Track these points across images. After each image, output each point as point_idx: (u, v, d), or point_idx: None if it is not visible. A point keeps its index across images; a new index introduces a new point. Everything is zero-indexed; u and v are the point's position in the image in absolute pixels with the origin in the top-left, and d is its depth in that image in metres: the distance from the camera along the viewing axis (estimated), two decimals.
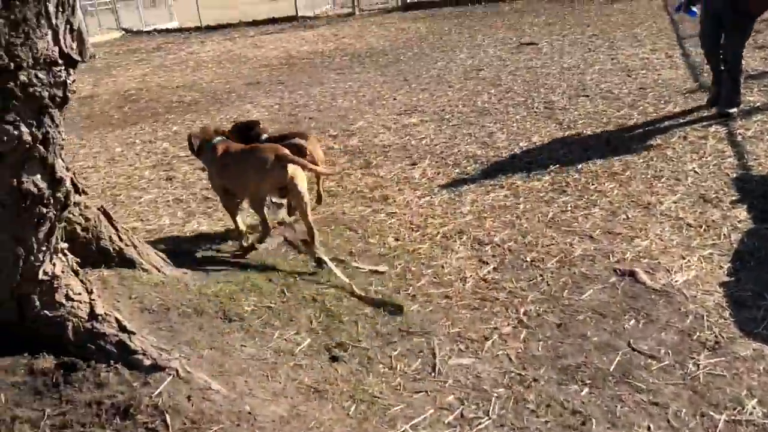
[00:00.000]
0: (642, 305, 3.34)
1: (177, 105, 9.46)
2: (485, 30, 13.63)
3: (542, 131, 6.43)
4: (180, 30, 21.12)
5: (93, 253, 3.39)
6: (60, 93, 2.77)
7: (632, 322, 3.22)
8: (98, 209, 3.46)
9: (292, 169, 3.89)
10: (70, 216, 3.32)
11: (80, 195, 3.38)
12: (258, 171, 3.91)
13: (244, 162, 4.04)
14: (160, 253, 3.73)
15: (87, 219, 3.36)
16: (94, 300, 3.07)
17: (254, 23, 20.25)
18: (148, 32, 21.24)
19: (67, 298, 3.03)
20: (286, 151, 3.94)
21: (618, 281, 3.60)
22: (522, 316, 3.36)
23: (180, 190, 5.85)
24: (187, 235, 4.76)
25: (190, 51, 15.95)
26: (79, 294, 3.07)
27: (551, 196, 4.88)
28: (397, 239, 4.36)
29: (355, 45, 13.76)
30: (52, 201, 2.88)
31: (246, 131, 4.76)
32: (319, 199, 5.05)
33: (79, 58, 2.81)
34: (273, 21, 20.15)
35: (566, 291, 3.55)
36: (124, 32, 21.45)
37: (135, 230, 4.97)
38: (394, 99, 8.41)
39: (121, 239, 3.47)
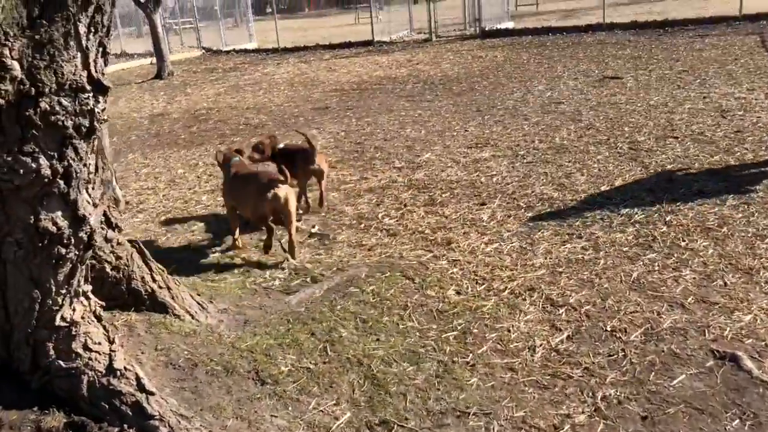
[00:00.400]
0: (748, 401, 2.78)
1: (244, 127, 9.30)
2: (566, 61, 13.07)
3: (626, 174, 5.87)
4: (257, 51, 21.33)
5: (122, 295, 3.09)
6: (86, 122, 2.47)
7: (736, 422, 2.67)
8: (132, 245, 3.16)
9: (283, 193, 4.41)
10: (100, 254, 3.03)
11: (114, 231, 3.09)
12: (257, 196, 4.45)
13: (247, 187, 4.61)
14: (198, 297, 3.40)
15: (118, 257, 3.06)
16: (114, 351, 2.75)
17: (330, 46, 20.24)
18: (227, 52, 21.55)
19: (85, 347, 2.71)
20: (278, 176, 4.47)
21: (716, 366, 3.04)
22: (600, 402, 2.85)
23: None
24: (234, 271, 4.43)
25: (265, 72, 15.98)
26: (99, 344, 2.75)
27: (636, 252, 4.33)
28: (458, 293, 3.91)
29: (428, 71, 13.42)
30: (73, 241, 2.58)
31: (262, 148, 5.52)
32: (320, 203, 5.63)
33: (110, 84, 2.52)
34: (349, 45, 20.09)
35: (653, 374, 3.02)
36: (204, 51, 21.84)
37: (185, 260, 4.70)
38: (466, 131, 7.98)
39: (154, 280, 3.16)
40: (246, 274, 4.36)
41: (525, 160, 6.59)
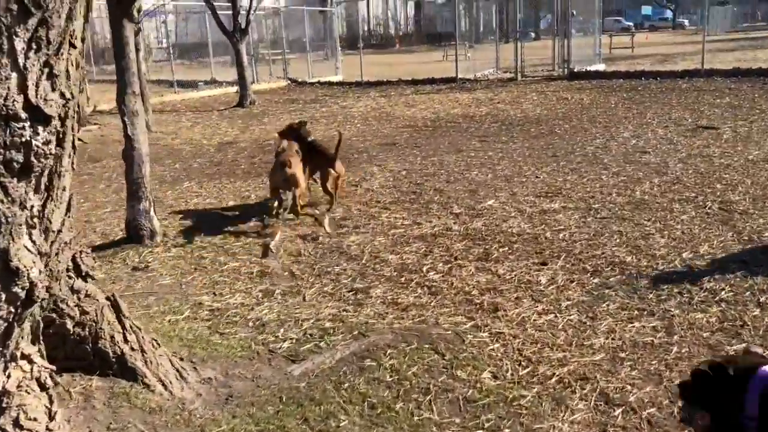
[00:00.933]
0: None
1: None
2: (656, 107, 12.12)
3: (714, 240, 5.04)
4: (341, 83, 21.26)
5: (87, 355, 2.63)
6: (20, 157, 2.02)
7: None
8: (106, 299, 2.71)
9: (290, 172, 5.88)
10: (62, 307, 2.58)
11: (84, 281, 2.64)
12: (273, 171, 6.09)
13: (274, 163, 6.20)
14: (179, 362, 2.90)
15: (84, 312, 2.61)
16: (51, 430, 2.26)
17: (413, 82, 19.91)
18: (312, 83, 21.59)
19: (16, 424, 2.23)
20: (290, 160, 5.93)
21: None
22: None
23: (269, 261, 5.11)
24: (249, 324, 3.93)
25: (344, 105, 15.74)
26: (35, 419, 2.27)
27: (718, 339, 3.55)
28: (495, 376, 3.24)
29: (508, 111, 12.77)
30: (3, 297, 2.12)
31: (295, 131, 6.64)
32: (330, 202, 6.37)
33: (54, 113, 2.06)
34: (431, 81, 19.70)
35: None
36: (290, 81, 21.98)
37: (201, 305, 4.25)
38: (537, 177, 7.29)
39: (126, 340, 2.69)
40: (260, 329, 3.84)
41: (598, 215, 5.84)
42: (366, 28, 50.95)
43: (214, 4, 16.80)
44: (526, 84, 17.97)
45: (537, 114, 12.28)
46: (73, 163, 2.63)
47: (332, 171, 6.30)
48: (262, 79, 22.75)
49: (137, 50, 11.19)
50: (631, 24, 56.24)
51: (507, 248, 5.16)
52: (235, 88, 20.07)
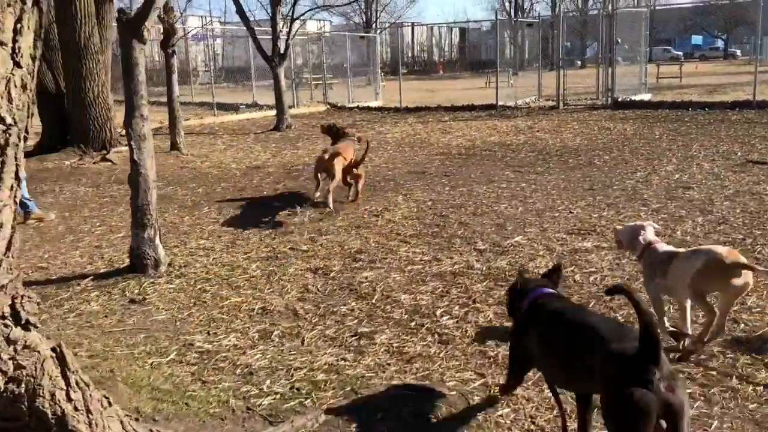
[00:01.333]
0: None
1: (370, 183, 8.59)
2: (703, 139, 11.49)
3: (764, 291, 4.49)
4: (380, 109, 21.03)
5: (22, 414, 2.29)
6: None
7: None
8: (52, 350, 2.37)
9: (331, 162, 7.29)
10: None
11: (24, 329, 2.31)
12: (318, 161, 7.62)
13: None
14: (132, 423, 2.53)
15: (19, 366, 2.27)
16: None
17: (452, 108, 19.57)
18: (351, 108, 21.42)
19: None
20: (333, 152, 7.48)
21: None
22: None
23: (273, 297, 4.75)
24: (236, 372, 3.56)
25: (380, 130, 15.46)
26: None
27: (766, 414, 3.03)
28: None
29: (547, 140, 12.28)
30: None
31: (333, 129, 8.74)
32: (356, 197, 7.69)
33: None
34: (471, 108, 19.31)
35: None
36: (329, 106, 21.86)
37: (191, 346, 3.91)
38: (570, 212, 6.80)
39: (69, 399, 2.34)
40: (246, 378, 3.47)
41: (634, 256, 5.33)
42: (410, 54, 51.04)
43: (257, 29, 16.81)
44: (567, 112, 17.44)
45: (576, 144, 11.76)
46: (15, 196, 2.32)
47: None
48: (302, 103, 22.70)
49: (170, 72, 11.15)
50: (680, 53, 55.06)
51: None
52: (275, 112, 20.07)
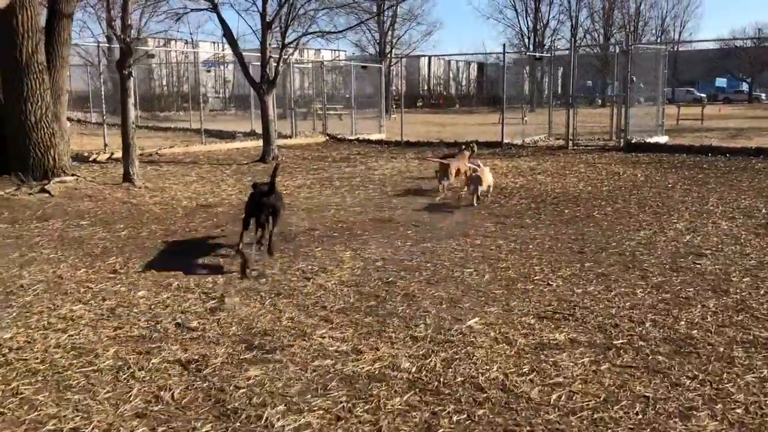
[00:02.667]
0: None
1: (279, 233, 7.25)
2: (723, 190, 10.00)
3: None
4: (381, 142, 19.76)
5: None
6: None
7: None
8: None
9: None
10: None
11: None
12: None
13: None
14: None
15: None
16: None
17: (454, 144, 18.19)
18: (351, 140, 20.19)
19: None
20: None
21: None
22: None
23: (101, 410, 3.38)
24: None
25: (371, 165, 14.15)
26: None
27: None
28: None
29: (546, 185, 10.86)
30: None
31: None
32: None
33: None
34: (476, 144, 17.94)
35: None
36: (328, 138, 20.66)
37: None
38: (548, 284, 5.36)
39: None
40: None
41: (618, 361, 3.89)
42: (426, 87, 49.93)
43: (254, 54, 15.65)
44: (576, 153, 16.01)
45: (578, 190, 10.33)
46: None
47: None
48: (302, 133, 21.55)
49: (125, 96, 9.94)
50: (703, 95, 53.49)
51: (465, 416, 3.28)
52: (282, 141, 18.93)
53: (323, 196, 9.90)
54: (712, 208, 8.63)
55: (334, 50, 37.31)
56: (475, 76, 55.42)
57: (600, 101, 40.89)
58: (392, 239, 6.91)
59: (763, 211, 8.36)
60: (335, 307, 4.83)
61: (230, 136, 20.60)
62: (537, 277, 5.54)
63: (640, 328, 4.38)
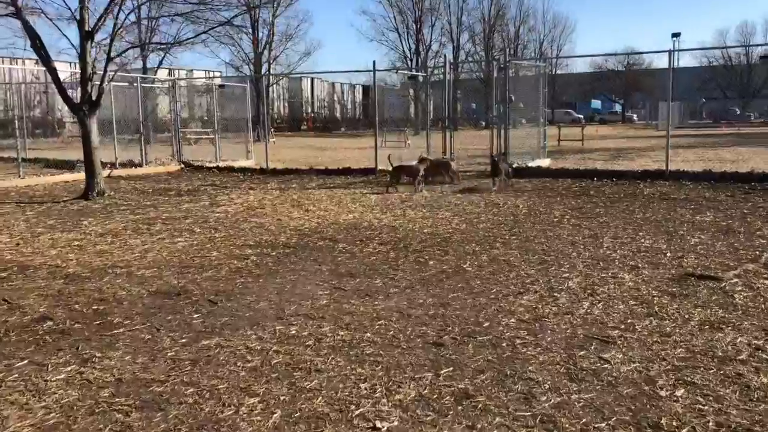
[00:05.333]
0: None
1: (24, 326, 4.67)
2: (616, 224, 8.27)
3: None
4: (245, 170, 17.24)
5: None
6: None
7: None
8: None
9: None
10: None
11: None
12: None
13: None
14: None
15: None
16: None
17: (325, 171, 16.05)
18: (210, 168, 17.56)
19: None
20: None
21: None
22: None
23: None
24: None
25: (218, 200, 11.65)
26: None
27: None
28: None
29: (415, 222, 8.78)
30: None
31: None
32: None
33: None
34: (347, 172, 15.85)
35: None
36: (182, 165, 17.91)
37: None
38: (374, 429, 3.14)
39: None
40: None
41: None
42: (310, 110, 47.66)
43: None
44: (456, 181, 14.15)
45: (451, 229, 8.32)
46: None
47: None
48: (158, 160, 18.70)
49: None
50: (581, 116, 54.42)
51: None
52: (107, 172, 15.97)
53: (121, 250, 7.33)
54: (608, 252, 6.81)
55: (208, 71, 34.40)
56: (360, 98, 53.80)
57: (484, 123, 40.18)
58: (158, 336, 4.44)
59: (668, 255, 6.60)
60: None
61: (71, 166, 17.42)
62: (360, 409, 3.30)
63: None
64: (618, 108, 66.00)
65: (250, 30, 32.33)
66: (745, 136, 25.86)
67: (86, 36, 12.00)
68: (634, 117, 61.70)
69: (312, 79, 44.70)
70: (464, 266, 6.31)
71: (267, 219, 9.42)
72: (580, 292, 5.31)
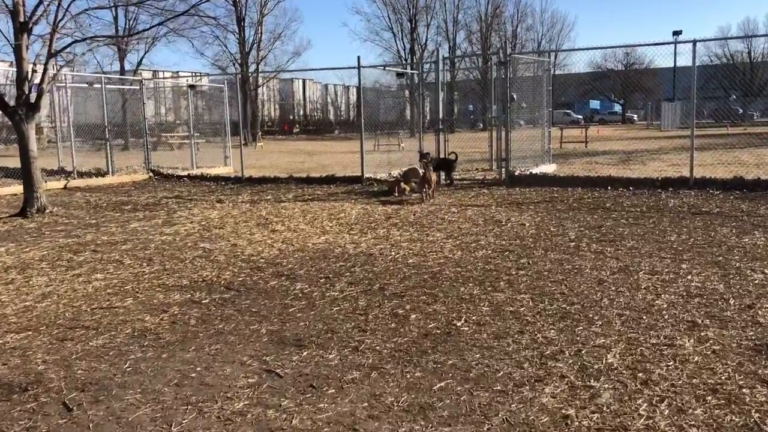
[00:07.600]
0: None
1: None
2: (650, 252, 6.46)
3: None
4: (218, 179, 15.44)
5: None
6: None
7: None
8: None
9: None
10: None
11: None
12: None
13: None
14: None
15: None
16: None
17: (307, 180, 14.24)
18: (181, 177, 15.75)
19: None
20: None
21: None
22: None
23: None
24: None
25: (175, 217, 9.86)
26: None
27: None
28: None
29: (399, 248, 6.96)
30: None
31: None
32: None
33: None
34: (332, 180, 14.04)
35: None
36: (152, 174, 16.11)
37: None
38: None
39: None
40: None
41: None
42: (302, 113, 45.74)
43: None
44: (450, 191, 12.32)
45: (442, 259, 6.51)
46: None
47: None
48: (130, 167, 16.91)
49: None
50: (580, 117, 52.64)
51: None
52: (62, 183, 14.21)
53: (13, 294, 5.52)
54: (649, 296, 5.00)
55: (194, 73, 32.60)
56: (354, 100, 51.90)
57: (481, 125, 38.39)
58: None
59: (732, 301, 4.80)
60: None
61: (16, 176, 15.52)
62: None
63: None
64: (617, 108, 64.18)
65: (236, 29, 30.54)
66: (756, 136, 24.01)
67: (21, 28, 10.18)
68: (635, 117, 59.88)
69: (304, 81, 42.85)
70: (457, 324, 4.50)
71: (221, 244, 7.62)
72: (627, 378, 3.50)
